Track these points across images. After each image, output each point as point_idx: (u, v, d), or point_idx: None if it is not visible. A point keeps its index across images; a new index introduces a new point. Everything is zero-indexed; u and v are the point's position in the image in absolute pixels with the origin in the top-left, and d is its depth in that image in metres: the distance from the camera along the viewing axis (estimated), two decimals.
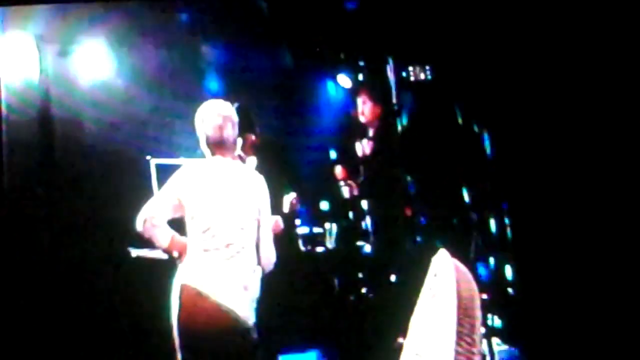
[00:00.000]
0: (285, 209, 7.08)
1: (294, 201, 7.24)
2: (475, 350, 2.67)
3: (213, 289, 5.20)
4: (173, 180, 5.45)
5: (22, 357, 7.44)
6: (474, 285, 2.88)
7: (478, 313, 2.77)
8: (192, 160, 5.56)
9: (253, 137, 7.32)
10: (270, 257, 5.53)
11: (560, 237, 6.86)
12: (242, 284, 5.28)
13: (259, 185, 5.52)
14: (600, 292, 6.63)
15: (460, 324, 2.70)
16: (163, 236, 5.32)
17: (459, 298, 2.73)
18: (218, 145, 5.51)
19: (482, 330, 7.41)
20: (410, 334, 2.98)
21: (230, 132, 5.54)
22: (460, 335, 2.67)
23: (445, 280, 2.80)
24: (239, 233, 5.33)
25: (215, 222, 5.28)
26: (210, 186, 5.38)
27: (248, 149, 7.20)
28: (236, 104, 7.04)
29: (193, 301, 5.22)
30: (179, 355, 5.33)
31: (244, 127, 7.15)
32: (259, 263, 5.46)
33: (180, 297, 5.27)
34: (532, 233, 7.15)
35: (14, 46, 7.86)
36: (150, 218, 5.31)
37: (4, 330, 7.30)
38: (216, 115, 5.53)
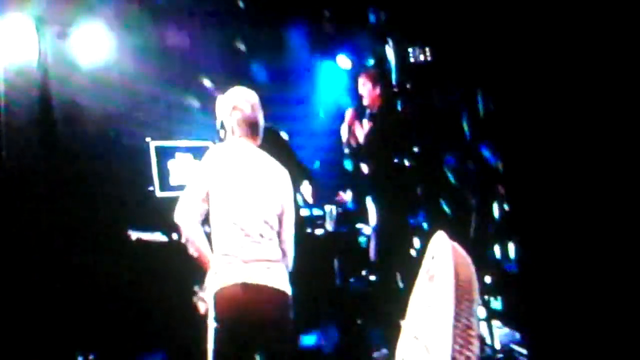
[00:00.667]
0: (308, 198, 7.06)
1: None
2: (473, 332, 2.66)
3: (249, 276, 5.14)
4: (203, 168, 5.35)
5: (23, 341, 7.47)
6: (471, 268, 2.86)
7: (476, 295, 2.76)
8: (220, 145, 5.47)
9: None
10: (291, 253, 5.48)
11: (563, 219, 6.85)
12: (269, 264, 5.22)
13: (285, 180, 5.46)
14: (603, 273, 6.63)
15: (458, 306, 2.68)
16: (199, 244, 5.25)
17: (457, 280, 2.72)
18: (252, 129, 5.46)
19: (481, 312, 7.48)
20: (409, 316, 2.97)
21: (261, 118, 5.49)
22: (458, 318, 2.66)
23: (443, 262, 2.79)
24: (263, 226, 5.26)
25: (241, 214, 5.21)
26: (238, 175, 5.30)
27: None
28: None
29: (234, 297, 5.14)
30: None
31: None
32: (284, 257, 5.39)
33: (219, 301, 5.18)
34: (534, 215, 7.14)
35: (13, 28, 7.84)
36: (192, 220, 5.22)
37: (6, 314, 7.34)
38: (249, 99, 5.48)
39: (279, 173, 5.44)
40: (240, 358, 5.10)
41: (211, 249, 5.19)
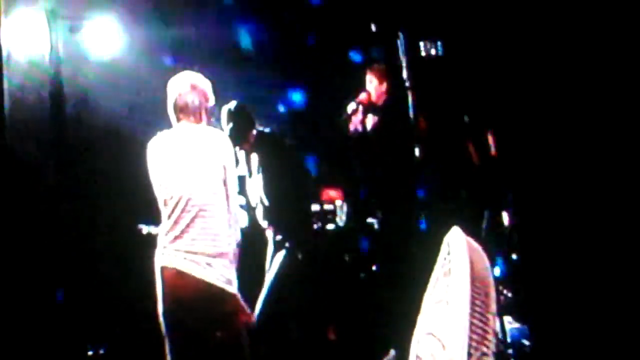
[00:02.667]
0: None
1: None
2: (489, 329, 2.66)
3: (191, 264, 5.17)
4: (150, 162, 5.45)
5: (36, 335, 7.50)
6: (487, 263, 2.86)
7: (492, 292, 2.75)
8: (158, 134, 5.54)
9: (252, 134, 7.27)
10: (239, 217, 5.52)
11: (570, 218, 6.86)
12: (218, 250, 5.23)
13: (223, 144, 5.44)
14: (609, 269, 6.63)
15: (474, 302, 2.68)
16: None
17: (473, 276, 2.71)
18: (182, 111, 5.49)
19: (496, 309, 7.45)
20: (423, 312, 2.96)
21: (196, 97, 5.49)
22: (473, 313, 2.65)
23: (458, 258, 2.78)
24: (212, 197, 5.28)
25: (185, 188, 5.25)
26: (177, 153, 5.35)
27: (248, 143, 7.18)
28: (234, 103, 7.08)
29: (173, 282, 5.19)
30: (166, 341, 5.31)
31: (248, 127, 7.18)
32: (230, 225, 5.40)
33: (162, 281, 5.23)
34: (541, 214, 7.14)
35: (25, 22, 7.85)
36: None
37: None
38: (183, 82, 5.51)
39: (217, 138, 5.44)
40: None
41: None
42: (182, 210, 5.21)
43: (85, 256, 8.06)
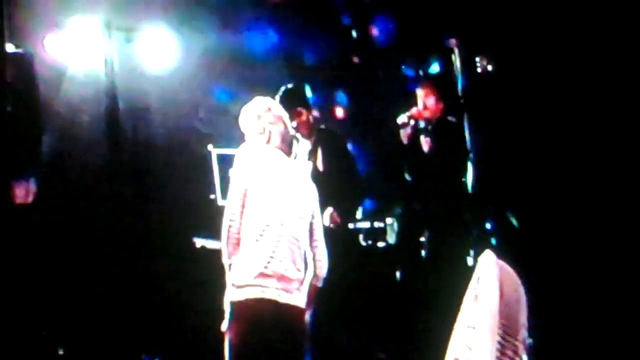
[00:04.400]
0: (326, 221, 6.92)
1: (334, 215, 7.12)
2: (518, 358, 2.59)
3: (272, 288, 5.14)
4: (237, 173, 5.39)
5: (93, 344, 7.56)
6: (520, 288, 2.78)
7: (523, 318, 2.68)
8: (247, 150, 5.50)
9: (305, 114, 7.22)
10: (324, 259, 5.48)
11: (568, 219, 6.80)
12: (300, 273, 5.24)
13: (313, 190, 5.48)
14: (610, 269, 6.57)
15: (503, 329, 2.61)
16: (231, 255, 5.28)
17: (502, 302, 2.64)
18: (289, 144, 5.51)
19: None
20: (453, 337, 2.90)
21: (285, 128, 5.51)
22: (502, 342, 2.59)
23: (487, 282, 2.71)
24: (297, 224, 5.28)
25: (274, 213, 5.23)
26: (273, 176, 5.33)
27: (302, 126, 7.11)
28: (286, 86, 7.05)
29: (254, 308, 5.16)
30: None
31: (297, 102, 7.11)
32: (315, 268, 5.40)
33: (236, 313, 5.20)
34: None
35: (81, 33, 7.91)
36: (234, 231, 5.26)
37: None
38: (267, 109, 5.51)
39: (308, 181, 5.54)
40: None
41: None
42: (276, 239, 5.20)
43: (141, 268, 8.10)
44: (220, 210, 7.54)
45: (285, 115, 5.56)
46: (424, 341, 6.99)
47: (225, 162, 7.66)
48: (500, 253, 3.14)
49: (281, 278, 5.13)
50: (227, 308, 5.21)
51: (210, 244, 7.55)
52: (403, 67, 9.24)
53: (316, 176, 6.88)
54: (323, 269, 5.49)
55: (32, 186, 6.40)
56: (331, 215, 6.98)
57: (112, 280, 7.92)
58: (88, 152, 8.11)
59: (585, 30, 7.05)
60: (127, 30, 8.16)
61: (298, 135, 6.93)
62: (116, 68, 8.05)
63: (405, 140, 7.66)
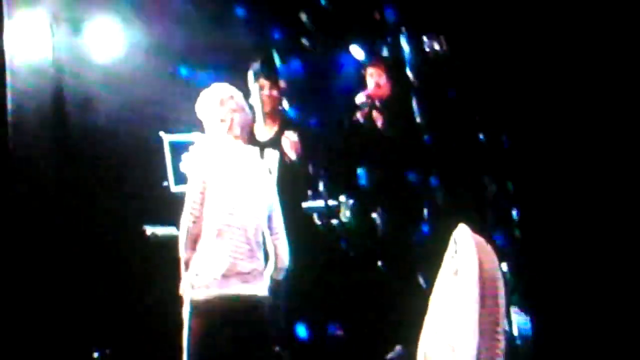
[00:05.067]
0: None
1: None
2: (499, 329, 2.63)
3: (232, 286, 5.14)
4: (195, 165, 5.34)
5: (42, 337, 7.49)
6: (496, 262, 2.83)
7: (501, 292, 2.73)
8: (204, 140, 5.46)
9: (271, 88, 7.18)
10: (285, 252, 5.50)
11: (573, 212, 6.85)
12: (258, 267, 5.23)
13: (271, 181, 5.50)
14: (612, 260, 6.62)
15: (483, 302, 2.65)
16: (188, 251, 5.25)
17: (482, 276, 2.69)
18: (248, 132, 5.49)
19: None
20: (431, 311, 2.93)
21: (245, 116, 5.47)
22: (483, 317, 2.63)
23: (466, 257, 2.76)
24: (257, 218, 5.27)
25: (233, 208, 5.20)
26: (231, 168, 5.30)
27: (267, 103, 7.07)
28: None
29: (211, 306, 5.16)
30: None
31: (264, 74, 7.07)
32: (276, 261, 5.40)
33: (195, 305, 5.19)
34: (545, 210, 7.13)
35: (27, 25, 7.83)
36: (195, 228, 5.21)
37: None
38: (245, 101, 5.49)
39: (267, 170, 5.59)
40: None
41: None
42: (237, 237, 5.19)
43: (90, 258, 8.03)
44: (172, 197, 7.58)
45: (245, 104, 5.50)
46: (383, 318, 7.03)
47: (177, 148, 7.63)
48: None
49: (240, 274, 5.13)
50: (186, 305, 5.18)
51: (161, 230, 7.50)
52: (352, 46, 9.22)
53: (284, 165, 6.92)
54: (284, 262, 5.47)
55: None
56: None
57: (62, 271, 7.84)
58: (34, 145, 8.00)
59: (539, 7, 7.09)
60: (74, 21, 8.07)
61: (260, 117, 6.92)
62: (63, 59, 7.94)
63: (361, 119, 7.67)
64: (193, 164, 5.27)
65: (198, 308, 5.13)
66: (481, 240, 2.81)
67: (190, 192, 5.23)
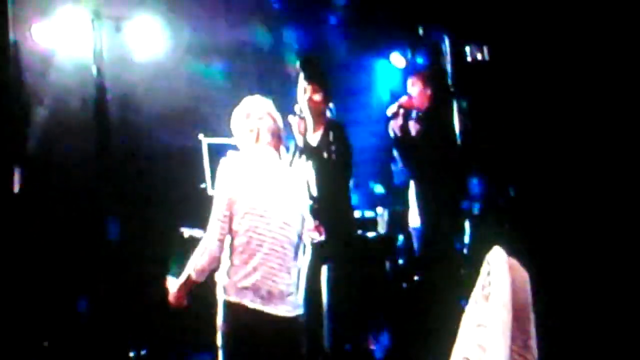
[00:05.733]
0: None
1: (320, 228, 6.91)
2: (530, 357, 2.57)
3: (261, 299, 5.08)
4: (222, 182, 5.29)
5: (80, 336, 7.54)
6: (528, 287, 2.76)
7: (532, 317, 2.66)
8: (235, 152, 5.41)
9: (320, 93, 7.03)
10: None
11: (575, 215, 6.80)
12: (290, 281, 5.17)
13: (304, 193, 5.41)
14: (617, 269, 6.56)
15: (514, 329, 2.59)
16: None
17: (514, 302, 2.62)
18: (279, 138, 5.42)
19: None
20: (461, 333, 2.87)
21: (273, 123, 5.43)
22: (513, 345, 2.56)
23: (499, 281, 2.69)
24: (285, 229, 5.21)
25: (262, 221, 5.15)
26: (260, 182, 5.17)
27: (313, 108, 6.98)
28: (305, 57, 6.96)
29: (241, 319, 5.10)
30: None
31: (314, 77, 6.99)
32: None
33: (226, 316, 5.12)
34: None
35: (69, 22, 7.85)
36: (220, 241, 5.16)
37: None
38: (275, 110, 5.44)
39: (299, 179, 5.38)
40: None
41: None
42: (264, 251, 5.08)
43: (129, 258, 8.05)
44: (209, 200, 7.58)
45: (274, 110, 5.44)
46: (419, 333, 6.96)
47: (216, 151, 7.63)
48: (498, 241, 3.12)
49: (269, 292, 5.04)
50: (220, 307, 5.14)
51: (198, 233, 7.50)
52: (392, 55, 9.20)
53: (323, 170, 6.83)
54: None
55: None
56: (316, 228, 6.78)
57: (101, 273, 7.87)
58: (76, 142, 8.04)
59: (579, 18, 7.01)
60: (116, 19, 8.07)
61: (308, 120, 6.86)
62: (105, 57, 7.95)
63: (396, 131, 7.58)
64: (219, 180, 5.19)
65: (228, 313, 5.09)
66: (515, 262, 2.74)
67: (215, 211, 5.15)
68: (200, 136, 7.57)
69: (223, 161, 5.14)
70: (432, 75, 7.75)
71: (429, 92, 7.63)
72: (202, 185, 7.58)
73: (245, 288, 4.96)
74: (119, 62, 8.13)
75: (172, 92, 8.23)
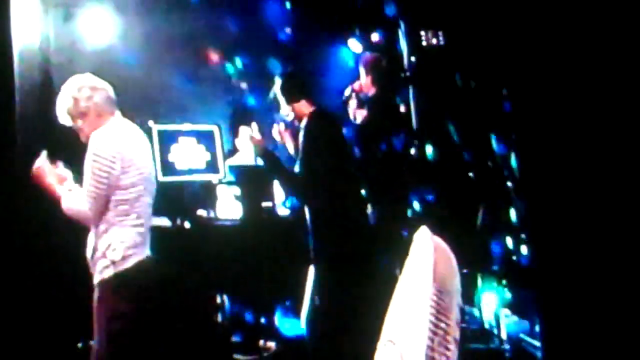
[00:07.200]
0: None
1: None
2: (450, 337, 2.52)
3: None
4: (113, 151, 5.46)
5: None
6: (454, 267, 2.71)
7: (456, 298, 2.61)
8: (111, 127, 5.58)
9: (302, 103, 6.88)
10: None
11: (575, 209, 6.73)
12: None
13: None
14: (616, 266, 6.51)
15: (435, 308, 2.54)
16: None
17: (436, 281, 2.57)
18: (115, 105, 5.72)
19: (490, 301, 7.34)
20: (388, 317, 2.82)
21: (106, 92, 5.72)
22: (433, 322, 2.52)
23: (421, 261, 2.64)
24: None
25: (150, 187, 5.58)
26: (145, 150, 5.66)
27: (298, 115, 6.86)
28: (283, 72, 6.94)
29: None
30: None
31: (295, 91, 6.93)
32: None
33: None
34: (543, 201, 7.01)
35: (19, 10, 7.74)
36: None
37: None
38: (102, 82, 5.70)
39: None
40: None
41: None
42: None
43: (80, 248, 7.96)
44: (161, 187, 7.53)
45: (98, 82, 5.65)
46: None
47: (166, 138, 7.57)
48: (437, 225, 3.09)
49: None
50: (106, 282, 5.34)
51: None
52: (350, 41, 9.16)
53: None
54: None
55: None
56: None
57: (54, 265, 7.77)
58: (22, 132, 7.94)
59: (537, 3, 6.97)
60: (66, 6, 8.00)
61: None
62: (52, 45, 7.86)
63: (351, 114, 7.53)
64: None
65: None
66: (441, 242, 2.69)
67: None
68: (150, 123, 7.50)
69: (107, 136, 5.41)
70: (375, 61, 7.64)
71: (371, 77, 7.53)
72: None
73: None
74: (68, 50, 8.03)
75: (121, 79, 8.14)
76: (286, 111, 6.86)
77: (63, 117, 5.66)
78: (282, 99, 6.80)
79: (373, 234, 6.89)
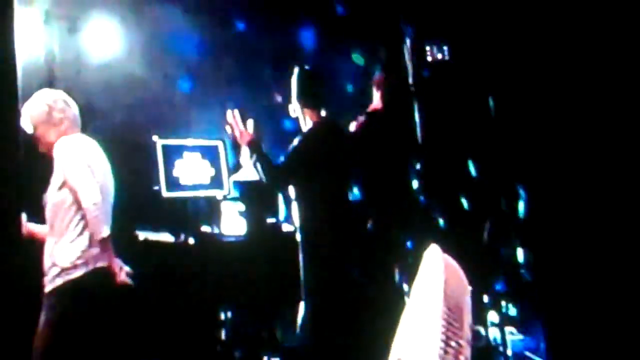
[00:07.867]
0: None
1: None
2: (462, 357, 2.47)
3: None
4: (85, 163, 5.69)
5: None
6: (465, 286, 2.68)
7: (467, 317, 2.57)
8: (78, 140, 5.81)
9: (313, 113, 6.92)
10: None
11: (578, 222, 6.70)
12: None
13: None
14: (617, 276, 6.49)
15: (447, 328, 2.50)
16: None
17: (447, 300, 2.53)
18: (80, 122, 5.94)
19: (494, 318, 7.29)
20: (398, 333, 2.78)
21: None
22: (446, 340, 2.47)
23: (432, 279, 2.60)
24: None
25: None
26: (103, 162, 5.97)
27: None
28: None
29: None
30: None
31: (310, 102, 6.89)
32: None
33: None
34: (548, 217, 6.98)
35: (21, 23, 7.71)
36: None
37: None
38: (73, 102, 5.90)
39: None
40: None
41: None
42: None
43: None
44: (165, 202, 7.49)
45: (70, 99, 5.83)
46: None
47: (170, 152, 7.54)
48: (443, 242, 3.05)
49: None
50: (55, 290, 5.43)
51: (153, 236, 7.47)
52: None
53: None
54: None
55: None
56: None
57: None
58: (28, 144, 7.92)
59: (543, 18, 6.97)
60: (69, 20, 7.98)
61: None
62: (57, 59, 7.84)
63: (352, 128, 7.52)
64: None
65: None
66: (451, 261, 2.65)
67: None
68: (155, 137, 7.48)
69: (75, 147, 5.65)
70: (383, 79, 7.65)
71: (379, 93, 7.55)
72: (156, 188, 7.48)
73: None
74: (73, 63, 8.00)
75: (126, 93, 8.12)
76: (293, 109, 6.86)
77: (27, 122, 5.64)
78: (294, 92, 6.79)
79: (370, 250, 6.88)
